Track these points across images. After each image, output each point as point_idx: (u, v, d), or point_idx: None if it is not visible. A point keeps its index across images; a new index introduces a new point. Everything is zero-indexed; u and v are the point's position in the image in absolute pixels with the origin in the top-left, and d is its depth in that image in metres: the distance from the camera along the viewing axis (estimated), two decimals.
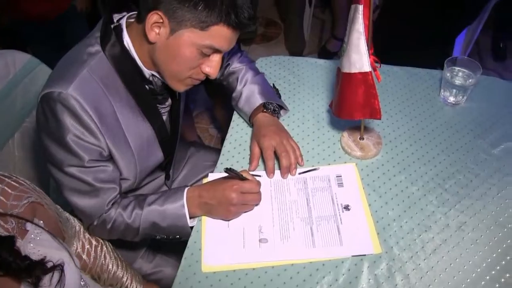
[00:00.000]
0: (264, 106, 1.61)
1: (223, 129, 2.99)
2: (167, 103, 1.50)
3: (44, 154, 1.33)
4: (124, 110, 1.35)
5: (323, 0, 4.22)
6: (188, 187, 1.41)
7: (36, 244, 1.04)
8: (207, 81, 1.39)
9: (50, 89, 1.22)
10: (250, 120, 1.64)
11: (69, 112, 1.21)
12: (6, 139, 1.64)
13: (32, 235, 1.05)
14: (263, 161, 1.52)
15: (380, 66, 1.37)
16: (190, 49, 1.25)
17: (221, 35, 1.23)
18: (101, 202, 1.35)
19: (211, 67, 1.32)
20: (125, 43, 1.32)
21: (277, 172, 1.52)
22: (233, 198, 1.34)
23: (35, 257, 1.00)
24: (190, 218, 1.38)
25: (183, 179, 1.90)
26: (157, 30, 1.24)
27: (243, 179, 1.36)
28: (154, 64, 1.34)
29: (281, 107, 1.68)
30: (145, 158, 1.46)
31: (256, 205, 1.42)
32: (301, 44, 3.93)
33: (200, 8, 1.18)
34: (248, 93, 1.64)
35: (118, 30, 1.33)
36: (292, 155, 1.50)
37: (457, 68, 1.74)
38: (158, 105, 1.46)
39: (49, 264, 1.00)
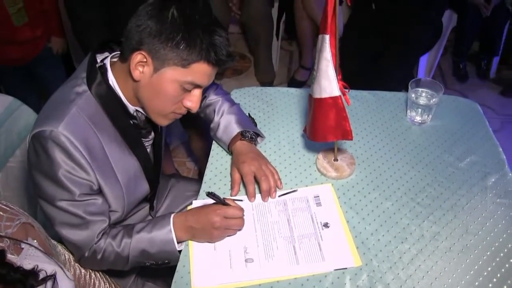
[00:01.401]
0: (241, 135, 1.66)
1: (200, 161, 3.02)
2: (150, 137, 1.55)
3: (35, 190, 1.37)
4: (112, 145, 1.39)
5: (289, 33, 4.33)
6: (174, 213, 1.44)
7: (31, 260, 1.08)
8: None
9: (41, 128, 1.26)
10: (229, 149, 1.69)
11: (60, 149, 1.26)
12: None
13: (27, 252, 1.09)
14: (244, 186, 1.57)
15: (349, 91, 1.44)
16: (173, 86, 1.31)
17: (201, 71, 1.30)
18: (91, 234, 1.38)
19: (192, 101, 1.37)
20: (110, 82, 1.37)
21: (258, 196, 1.56)
22: (216, 221, 1.38)
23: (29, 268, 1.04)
24: (178, 242, 1.41)
25: (166, 209, 1.94)
26: (141, 69, 1.29)
27: (225, 204, 1.41)
28: (138, 100, 1.39)
29: (258, 134, 1.74)
30: (132, 191, 1.50)
31: (239, 230, 1.46)
32: (271, 76, 4.01)
33: (181, 47, 1.24)
34: (226, 123, 1.70)
35: (103, 70, 1.38)
36: (271, 179, 1.56)
37: (420, 89, 1.82)
38: (142, 138, 1.51)
39: (42, 274, 1.04)
